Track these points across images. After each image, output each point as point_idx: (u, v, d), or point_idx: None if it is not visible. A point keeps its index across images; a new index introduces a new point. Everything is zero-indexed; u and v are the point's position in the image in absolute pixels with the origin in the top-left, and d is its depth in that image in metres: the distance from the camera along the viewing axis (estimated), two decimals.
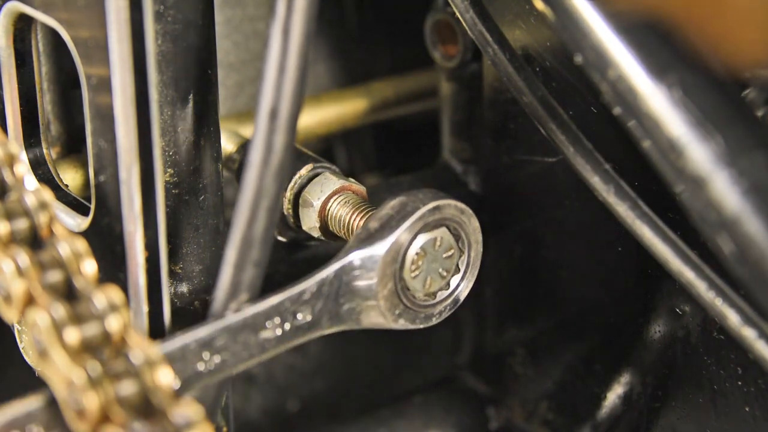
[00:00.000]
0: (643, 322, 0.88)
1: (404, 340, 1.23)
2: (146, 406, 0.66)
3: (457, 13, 0.81)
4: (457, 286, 0.80)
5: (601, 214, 0.80)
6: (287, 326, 0.75)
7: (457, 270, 0.80)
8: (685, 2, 0.68)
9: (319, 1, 0.68)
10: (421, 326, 0.80)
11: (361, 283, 0.77)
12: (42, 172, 0.86)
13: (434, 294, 0.80)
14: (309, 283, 0.75)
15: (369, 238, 0.77)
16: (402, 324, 0.79)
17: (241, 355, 0.73)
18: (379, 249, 0.76)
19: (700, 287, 0.73)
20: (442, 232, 0.78)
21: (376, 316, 0.78)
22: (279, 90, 0.68)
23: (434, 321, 0.80)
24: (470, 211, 0.79)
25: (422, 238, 0.77)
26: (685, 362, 0.86)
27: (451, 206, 0.78)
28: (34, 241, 0.73)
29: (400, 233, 0.76)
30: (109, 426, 0.65)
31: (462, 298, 0.81)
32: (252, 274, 0.71)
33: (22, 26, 0.82)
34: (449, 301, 0.80)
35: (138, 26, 0.72)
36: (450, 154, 1.01)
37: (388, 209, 0.77)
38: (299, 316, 0.75)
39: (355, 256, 0.76)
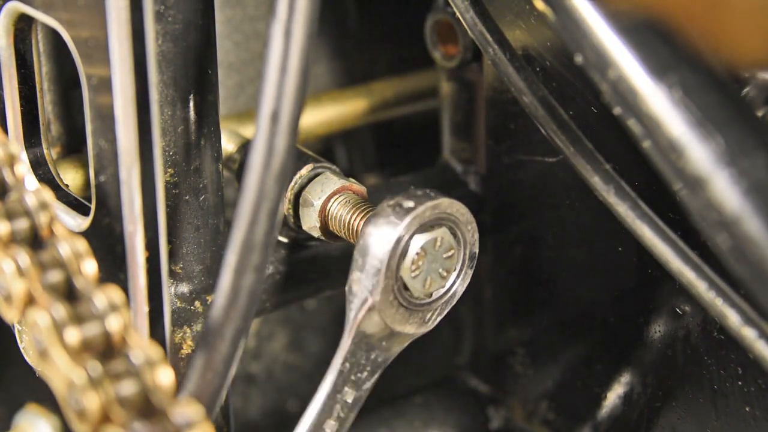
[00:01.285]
0: (643, 322, 0.88)
1: None
2: (146, 406, 0.66)
3: (457, 13, 0.81)
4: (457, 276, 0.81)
5: (601, 214, 0.80)
6: (342, 414, 0.79)
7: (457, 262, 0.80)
8: (685, 2, 0.68)
9: (321, 1, 0.68)
10: (446, 313, 0.81)
11: (379, 340, 0.78)
12: (42, 172, 0.86)
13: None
14: (332, 379, 0.79)
15: (356, 293, 0.77)
16: (430, 324, 0.81)
17: None
18: (374, 296, 0.77)
19: (700, 287, 0.73)
20: (442, 232, 0.78)
21: (409, 339, 0.80)
22: (280, 92, 0.68)
23: (454, 301, 0.81)
24: (446, 200, 0.78)
25: (417, 244, 0.77)
26: (685, 362, 0.86)
27: (428, 208, 0.77)
28: (35, 241, 0.73)
29: (384, 274, 0.76)
30: (109, 426, 0.65)
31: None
32: (253, 279, 0.71)
33: (23, 26, 0.82)
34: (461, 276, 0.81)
35: (138, 26, 0.72)
36: (450, 154, 1.01)
37: (357, 256, 0.77)
38: (347, 398, 0.79)
39: (360, 324, 0.78)
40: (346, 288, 0.78)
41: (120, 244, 0.77)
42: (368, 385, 0.80)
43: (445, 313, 0.81)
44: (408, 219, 0.76)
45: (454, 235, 0.79)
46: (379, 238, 0.76)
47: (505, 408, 1.03)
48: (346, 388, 0.78)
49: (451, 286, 0.80)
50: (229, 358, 0.72)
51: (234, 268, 0.70)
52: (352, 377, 0.79)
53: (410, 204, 0.77)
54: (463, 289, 0.81)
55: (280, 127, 0.68)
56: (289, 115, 0.68)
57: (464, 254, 0.80)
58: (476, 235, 0.80)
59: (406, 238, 0.76)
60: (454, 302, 0.81)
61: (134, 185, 0.75)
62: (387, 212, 0.77)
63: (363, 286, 0.77)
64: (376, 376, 0.80)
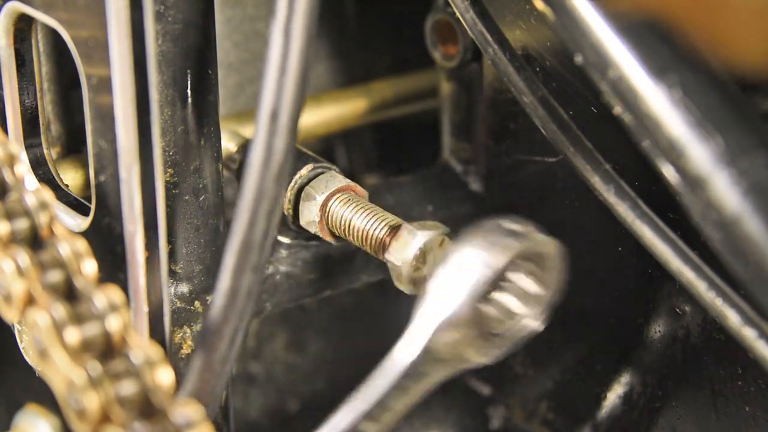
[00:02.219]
0: (643, 322, 0.88)
1: None
2: (146, 406, 0.66)
3: (457, 13, 0.81)
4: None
5: (601, 214, 0.80)
6: None
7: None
8: (685, 3, 0.68)
9: (320, 1, 0.68)
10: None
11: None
12: (42, 172, 0.86)
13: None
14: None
15: (441, 295, 0.67)
16: (490, 356, 0.71)
17: None
18: (461, 309, 0.67)
19: (700, 287, 0.73)
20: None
21: (452, 369, 0.71)
22: (280, 92, 0.68)
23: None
24: (534, 235, 0.72)
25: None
26: (685, 362, 0.86)
27: (550, 243, 0.71)
28: (35, 241, 0.73)
29: (482, 289, 0.68)
30: (109, 426, 0.65)
31: None
32: (251, 279, 0.70)
33: (23, 26, 0.82)
34: None
35: (138, 26, 0.73)
36: (450, 154, 1.01)
37: (454, 257, 0.68)
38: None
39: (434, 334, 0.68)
40: (424, 285, 0.69)
41: (120, 244, 0.77)
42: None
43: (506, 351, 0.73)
44: (525, 243, 0.71)
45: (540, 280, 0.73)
46: (495, 252, 0.69)
47: (504, 408, 1.03)
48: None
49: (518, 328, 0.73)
50: (228, 358, 0.72)
51: (233, 268, 0.70)
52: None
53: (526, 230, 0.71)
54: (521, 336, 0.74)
55: (279, 126, 0.68)
56: (289, 115, 0.68)
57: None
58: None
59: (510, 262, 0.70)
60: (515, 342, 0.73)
61: (134, 185, 0.75)
62: (503, 230, 0.71)
63: (452, 293, 0.68)
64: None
